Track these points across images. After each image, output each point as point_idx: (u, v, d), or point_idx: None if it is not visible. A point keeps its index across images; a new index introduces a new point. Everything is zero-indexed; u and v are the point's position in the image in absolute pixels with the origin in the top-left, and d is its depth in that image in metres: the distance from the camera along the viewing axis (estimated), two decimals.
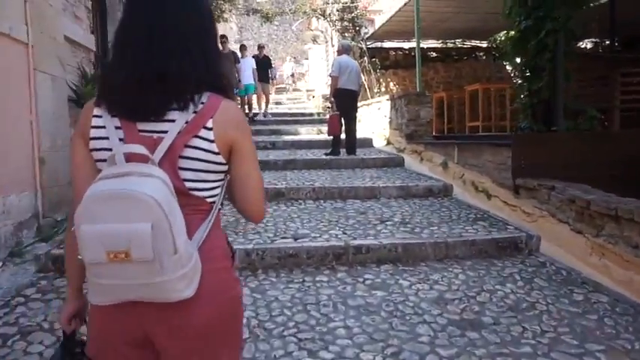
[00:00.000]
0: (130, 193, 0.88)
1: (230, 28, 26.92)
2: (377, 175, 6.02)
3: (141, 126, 1.01)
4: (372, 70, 12.04)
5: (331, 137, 7.38)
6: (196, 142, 1.01)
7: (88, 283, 0.96)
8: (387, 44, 13.21)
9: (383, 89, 12.83)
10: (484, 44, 14.03)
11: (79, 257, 0.93)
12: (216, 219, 1.07)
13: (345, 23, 11.82)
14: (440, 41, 13.45)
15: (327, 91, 11.21)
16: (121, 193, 0.89)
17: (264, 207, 1.14)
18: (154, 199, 0.88)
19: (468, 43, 13.89)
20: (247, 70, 10.55)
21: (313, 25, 12.59)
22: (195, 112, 1.01)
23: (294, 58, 25.02)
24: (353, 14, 11.76)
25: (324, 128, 8.34)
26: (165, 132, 1.00)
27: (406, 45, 13.30)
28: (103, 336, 1.04)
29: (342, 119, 7.29)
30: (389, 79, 13.08)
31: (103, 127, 1.02)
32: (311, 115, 12.55)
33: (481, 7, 9.63)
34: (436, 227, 3.93)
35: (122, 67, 1.01)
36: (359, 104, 8.02)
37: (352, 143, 7.39)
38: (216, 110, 1.02)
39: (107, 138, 1.01)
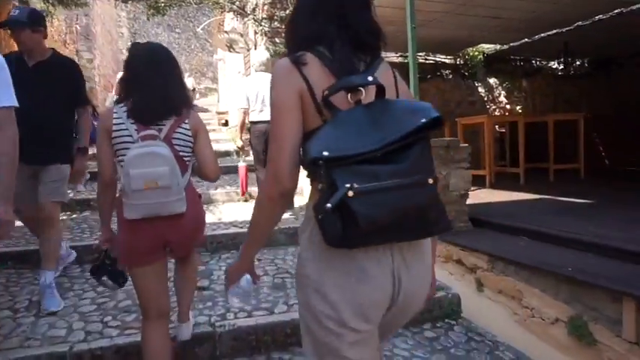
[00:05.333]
0: (157, 151, 1.89)
1: (120, 34, 21.72)
2: None
3: (149, 127, 2.00)
4: None
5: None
6: (181, 130, 2.04)
7: (126, 207, 1.91)
8: None
9: None
10: (448, 60, 11.08)
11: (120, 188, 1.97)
12: (190, 175, 2.12)
13: (276, 24, 8.04)
14: (398, 54, 10.21)
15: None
16: (151, 152, 1.88)
17: (218, 168, 2.19)
18: (169, 155, 1.91)
19: (432, 59, 10.82)
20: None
21: (229, 26, 8.68)
22: (177, 116, 2.06)
23: (200, 72, 20.54)
24: (288, 11, 8.01)
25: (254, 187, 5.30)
26: (163, 126, 2.03)
27: None
28: (131, 245, 2.00)
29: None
30: None
31: (123, 125, 1.98)
32: (228, 154, 8.24)
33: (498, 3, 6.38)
34: None
35: (138, 96, 2.01)
36: None
37: None
38: (190, 115, 2.11)
39: (127, 129, 1.96)
